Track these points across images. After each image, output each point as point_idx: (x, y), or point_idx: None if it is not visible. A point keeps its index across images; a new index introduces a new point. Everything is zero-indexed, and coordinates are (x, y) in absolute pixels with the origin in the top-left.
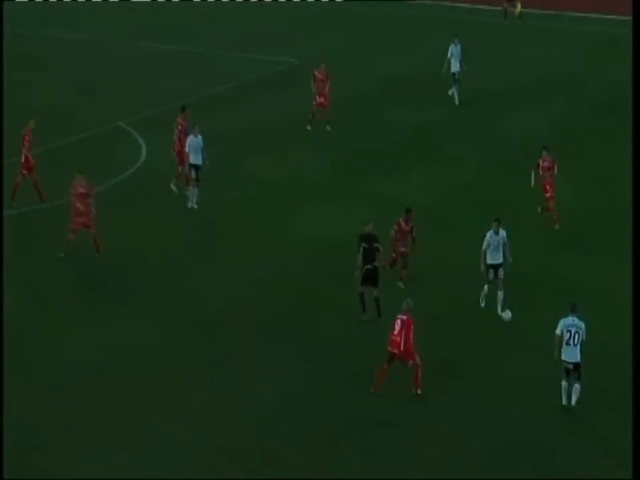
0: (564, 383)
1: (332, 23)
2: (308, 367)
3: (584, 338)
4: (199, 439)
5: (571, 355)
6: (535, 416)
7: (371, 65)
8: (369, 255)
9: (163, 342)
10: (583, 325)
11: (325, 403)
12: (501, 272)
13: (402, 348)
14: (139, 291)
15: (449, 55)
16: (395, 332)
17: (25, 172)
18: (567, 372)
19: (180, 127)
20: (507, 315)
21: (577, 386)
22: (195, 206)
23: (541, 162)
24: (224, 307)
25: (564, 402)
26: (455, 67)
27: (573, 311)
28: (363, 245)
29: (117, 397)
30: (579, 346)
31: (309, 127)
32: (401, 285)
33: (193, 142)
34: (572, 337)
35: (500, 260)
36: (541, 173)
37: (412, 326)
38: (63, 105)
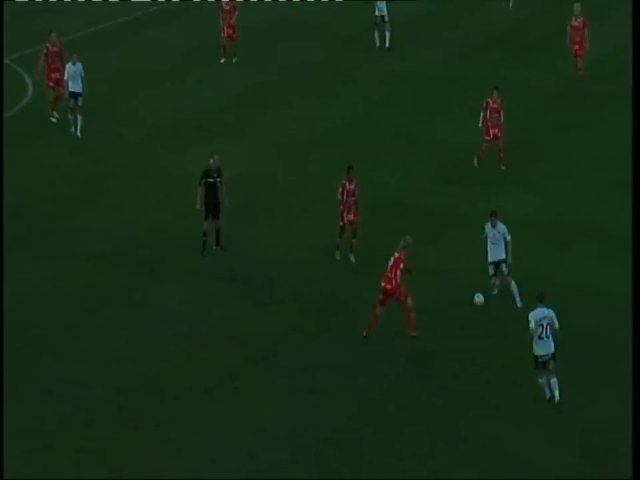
0: (541, 380)
1: None
2: (204, 306)
3: (556, 327)
4: (98, 379)
5: (546, 347)
6: None
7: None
8: (211, 190)
9: (56, 281)
10: (552, 313)
11: (222, 341)
12: (503, 267)
13: (393, 284)
14: (30, 232)
15: None
16: (388, 268)
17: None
18: (544, 365)
19: (46, 51)
20: (479, 299)
21: (554, 380)
22: (79, 134)
23: (490, 102)
24: (113, 247)
25: (547, 396)
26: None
27: (541, 301)
28: (206, 179)
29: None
30: (551, 337)
31: (223, 60)
32: (352, 258)
33: (71, 69)
34: (544, 330)
35: (502, 256)
36: (489, 114)
37: (402, 263)
38: None
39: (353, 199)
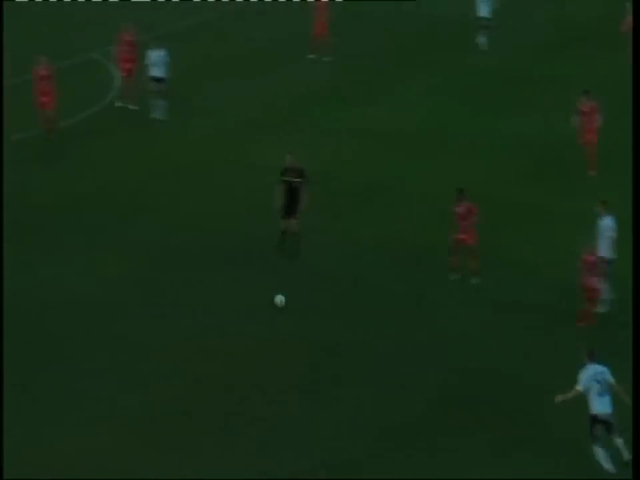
0: (600, 450)
1: None
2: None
3: (612, 382)
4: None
5: (605, 405)
6: None
7: None
8: (288, 189)
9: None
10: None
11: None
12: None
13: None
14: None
15: None
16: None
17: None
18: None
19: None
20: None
21: (619, 440)
22: (160, 117)
23: (581, 106)
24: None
25: (611, 468)
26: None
27: (592, 359)
28: (282, 178)
29: None
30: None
31: (311, 56)
32: (473, 280)
33: (154, 55)
34: (602, 387)
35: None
36: (580, 118)
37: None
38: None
39: (465, 222)
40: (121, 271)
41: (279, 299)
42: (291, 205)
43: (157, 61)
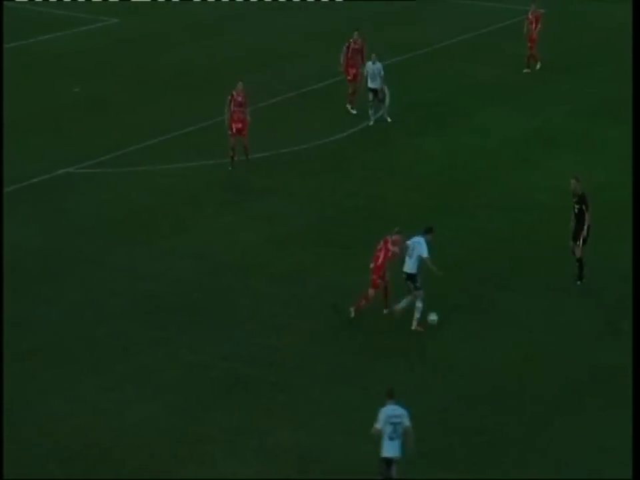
0: None
1: None
2: (549, 318)
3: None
4: (441, 386)
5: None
6: None
7: None
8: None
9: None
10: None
11: (568, 355)
12: None
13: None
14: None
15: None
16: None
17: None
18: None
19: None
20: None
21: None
22: (371, 123)
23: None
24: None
25: None
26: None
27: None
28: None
29: None
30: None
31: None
32: None
33: (370, 68)
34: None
35: None
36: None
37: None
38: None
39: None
40: None
41: (433, 317)
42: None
43: (372, 74)
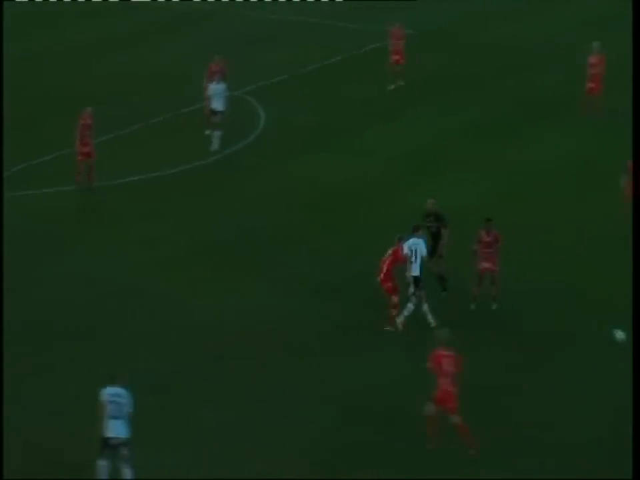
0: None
1: None
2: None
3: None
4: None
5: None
6: None
7: None
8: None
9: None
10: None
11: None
12: None
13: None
14: (263, 258)
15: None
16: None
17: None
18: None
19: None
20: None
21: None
22: (213, 149)
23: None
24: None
25: None
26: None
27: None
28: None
29: None
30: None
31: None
32: (493, 305)
33: (213, 88)
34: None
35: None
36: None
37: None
38: (180, 73)
39: (491, 250)
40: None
41: (620, 335)
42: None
43: (216, 93)
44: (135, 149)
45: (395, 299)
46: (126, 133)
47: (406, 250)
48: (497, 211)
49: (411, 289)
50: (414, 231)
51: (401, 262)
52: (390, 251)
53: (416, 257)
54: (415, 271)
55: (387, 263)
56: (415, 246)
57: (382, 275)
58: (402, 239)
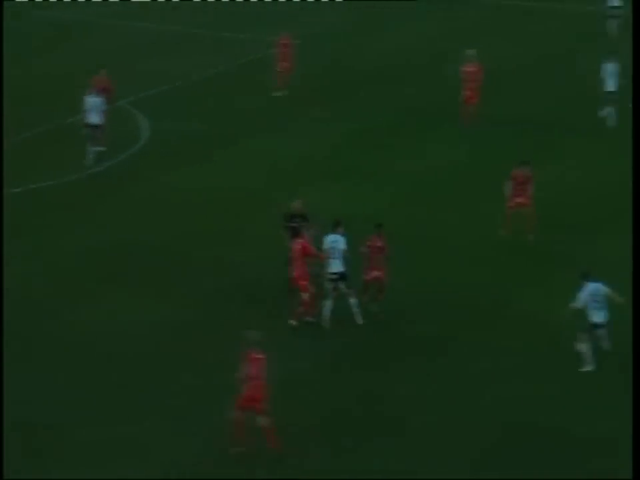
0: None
1: None
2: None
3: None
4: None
5: None
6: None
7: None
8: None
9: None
10: None
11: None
12: None
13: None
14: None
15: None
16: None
17: None
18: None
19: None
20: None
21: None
22: (90, 163)
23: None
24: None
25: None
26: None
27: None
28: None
29: None
30: None
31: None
32: (375, 307)
33: (90, 102)
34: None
35: None
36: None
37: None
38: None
39: (380, 255)
40: None
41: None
42: None
43: (92, 107)
44: (17, 159)
45: (305, 296)
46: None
47: (326, 246)
48: (384, 220)
49: (331, 285)
50: (334, 228)
51: (310, 256)
52: (298, 246)
53: (336, 254)
54: (337, 267)
55: (298, 259)
56: (334, 243)
57: (296, 271)
58: (311, 228)
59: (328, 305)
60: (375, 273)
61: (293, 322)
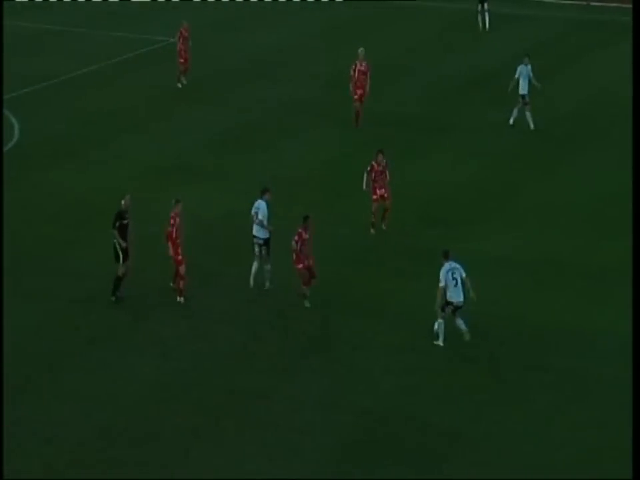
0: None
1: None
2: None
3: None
4: (81, 420)
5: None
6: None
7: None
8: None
9: (39, 322)
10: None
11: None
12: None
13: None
14: (16, 271)
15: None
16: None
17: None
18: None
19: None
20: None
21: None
22: None
23: (375, 165)
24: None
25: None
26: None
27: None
28: (120, 221)
29: None
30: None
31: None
32: (307, 303)
33: None
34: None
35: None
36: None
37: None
38: None
39: (308, 247)
40: None
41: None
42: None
43: None
44: None
45: (182, 269)
46: None
47: (253, 212)
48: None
49: (257, 249)
50: (262, 194)
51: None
52: (172, 222)
53: (258, 218)
54: (263, 233)
55: (172, 234)
56: (256, 209)
57: (172, 248)
58: (179, 202)
59: (254, 266)
60: (309, 262)
61: (179, 299)
